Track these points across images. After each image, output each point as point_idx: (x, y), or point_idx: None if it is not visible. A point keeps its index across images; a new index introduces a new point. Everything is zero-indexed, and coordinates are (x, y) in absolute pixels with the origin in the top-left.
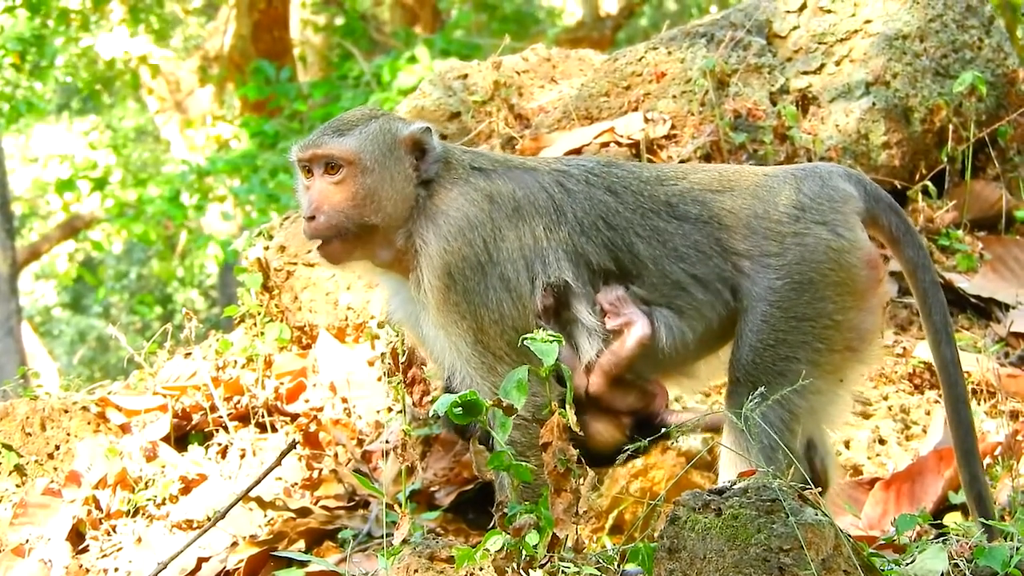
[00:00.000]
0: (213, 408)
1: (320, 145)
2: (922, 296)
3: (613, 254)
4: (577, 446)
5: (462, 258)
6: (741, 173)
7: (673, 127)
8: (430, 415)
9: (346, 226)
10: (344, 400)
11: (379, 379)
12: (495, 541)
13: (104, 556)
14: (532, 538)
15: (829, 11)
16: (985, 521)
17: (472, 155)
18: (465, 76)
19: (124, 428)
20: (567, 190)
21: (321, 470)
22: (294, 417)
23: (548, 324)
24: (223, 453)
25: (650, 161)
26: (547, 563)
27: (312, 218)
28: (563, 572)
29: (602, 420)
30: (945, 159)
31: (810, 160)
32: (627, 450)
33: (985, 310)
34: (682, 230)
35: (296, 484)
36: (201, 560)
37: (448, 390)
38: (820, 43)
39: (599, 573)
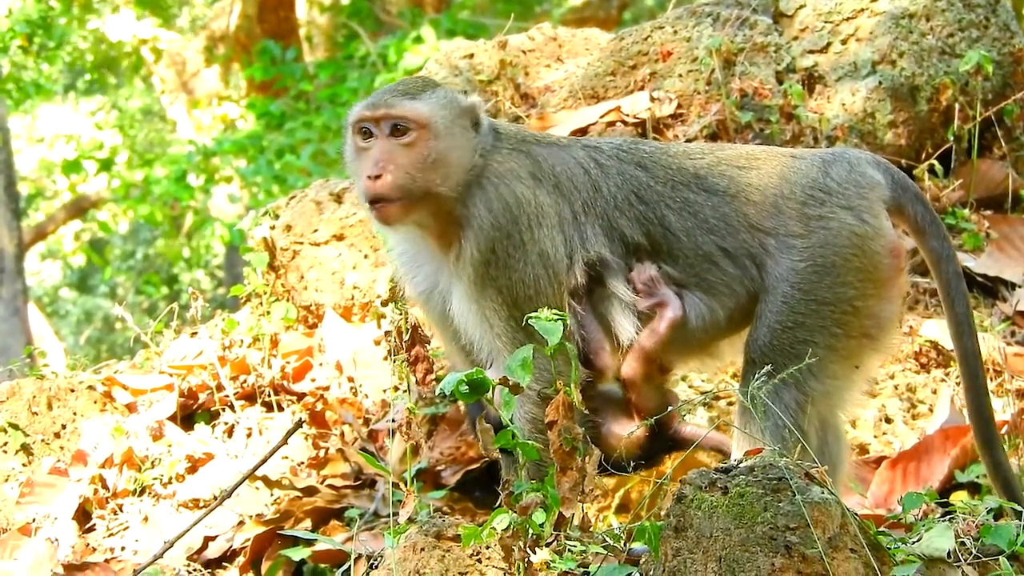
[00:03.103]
0: (219, 387)
1: (392, 106)
2: (945, 287)
3: (645, 228)
4: (588, 427)
5: (507, 235)
6: (768, 153)
7: (679, 106)
8: (436, 394)
9: (410, 188)
10: (350, 379)
11: (385, 358)
12: (501, 519)
13: (110, 535)
14: (538, 517)
15: None
16: (1017, 507)
17: (516, 129)
18: (471, 56)
19: (130, 407)
20: (601, 166)
21: (327, 449)
22: (300, 396)
23: (581, 303)
24: (229, 432)
25: (656, 140)
26: (553, 541)
27: (378, 177)
28: (569, 551)
29: (618, 423)
30: (951, 138)
31: (816, 139)
32: (638, 425)
33: (991, 289)
34: (711, 202)
35: (302, 463)
36: (207, 539)
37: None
38: (826, 22)
39: (605, 552)
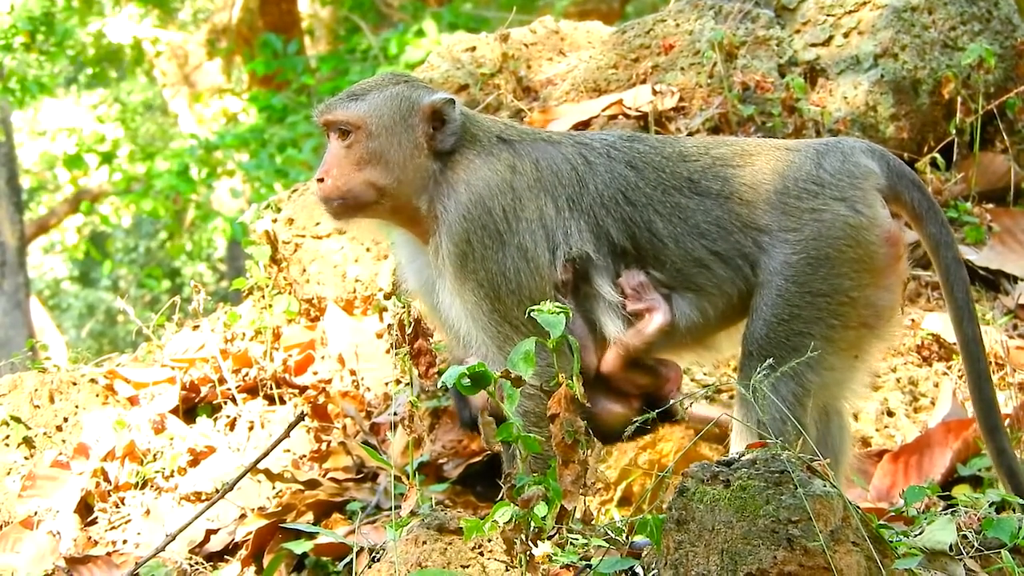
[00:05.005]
0: (221, 380)
1: (331, 110)
2: (944, 273)
3: (630, 231)
4: (585, 418)
5: (481, 226)
6: (762, 147)
7: (681, 99)
8: (438, 387)
9: (347, 189)
10: (352, 372)
11: (387, 351)
12: (503, 513)
13: (112, 528)
14: (540, 510)
15: None
16: (1021, 500)
17: (503, 125)
18: (473, 48)
19: (132, 400)
20: (589, 163)
21: (329, 442)
22: (302, 389)
23: (566, 299)
24: (231, 425)
25: (658, 133)
26: (555, 535)
27: (322, 180)
28: (571, 544)
29: (612, 399)
30: (953, 131)
31: (818, 132)
32: (635, 422)
33: (993, 282)
34: (703, 206)
35: (304, 456)
36: (209, 532)
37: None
38: (828, 15)
39: (607, 545)
